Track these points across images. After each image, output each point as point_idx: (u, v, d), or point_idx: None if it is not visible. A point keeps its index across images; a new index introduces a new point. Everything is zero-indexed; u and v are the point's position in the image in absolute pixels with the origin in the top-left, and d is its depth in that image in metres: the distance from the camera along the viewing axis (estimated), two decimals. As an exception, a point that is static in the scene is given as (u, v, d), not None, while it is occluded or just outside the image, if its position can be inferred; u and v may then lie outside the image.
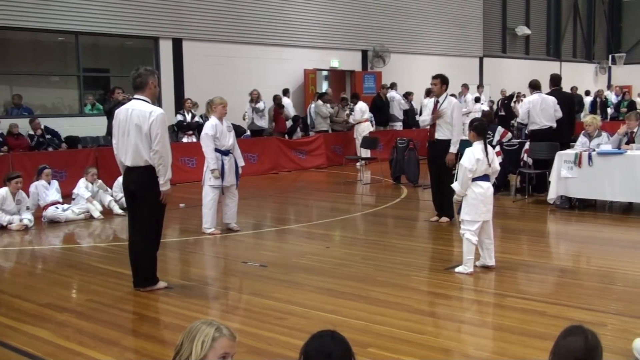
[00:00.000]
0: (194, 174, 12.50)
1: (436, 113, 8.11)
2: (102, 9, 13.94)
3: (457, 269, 5.99)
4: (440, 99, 8.15)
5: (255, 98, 14.99)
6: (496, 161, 6.16)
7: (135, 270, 5.62)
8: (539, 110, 10.52)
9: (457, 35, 23.07)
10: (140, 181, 5.45)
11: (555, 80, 11.23)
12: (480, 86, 20.90)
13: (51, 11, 13.23)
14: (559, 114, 10.55)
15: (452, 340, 4.33)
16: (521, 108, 11.41)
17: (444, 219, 8.33)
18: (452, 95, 8.77)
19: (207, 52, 15.77)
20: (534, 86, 11.02)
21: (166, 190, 5.43)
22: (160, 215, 5.60)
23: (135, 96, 5.52)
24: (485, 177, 6.02)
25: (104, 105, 12.82)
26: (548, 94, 10.95)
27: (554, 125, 10.50)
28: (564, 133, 10.61)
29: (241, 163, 8.17)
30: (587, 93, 23.37)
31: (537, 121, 10.53)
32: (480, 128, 6.05)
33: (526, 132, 11.54)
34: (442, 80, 8.14)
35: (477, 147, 5.96)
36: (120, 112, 5.55)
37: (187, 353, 2.46)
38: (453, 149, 8.08)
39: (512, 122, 15.76)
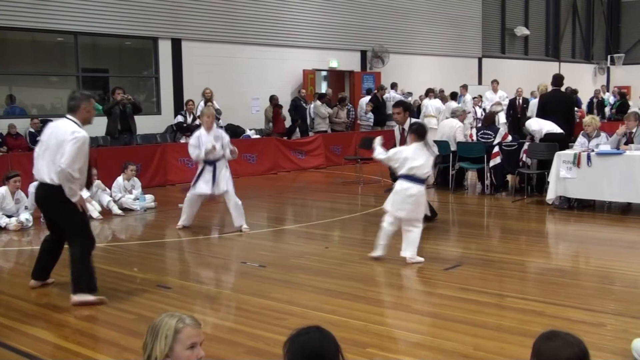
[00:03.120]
0: (193, 174, 12.45)
1: None
2: (101, 9, 13.94)
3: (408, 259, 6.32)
4: (406, 127, 7.93)
5: (209, 97, 13.73)
6: (425, 168, 6.32)
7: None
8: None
9: (456, 36, 23.09)
10: (50, 199, 5.42)
11: (557, 80, 11.22)
12: (495, 81, 19.84)
13: (50, 11, 13.23)
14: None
15: (451, 341, 4.33)
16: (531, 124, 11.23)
17: None
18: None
19: (206, 53, 15.77)
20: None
21: (76, 200, 5.35)
22: (82, 219, 5.53)
23: (67, 116, 5.52)
24: (410, 178, 6.27)
25: (102, 106, 12.83)
26: (547, 93, 10.94)
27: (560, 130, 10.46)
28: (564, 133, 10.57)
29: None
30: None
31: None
32: (420, 131, 6.43)
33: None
34: (404, 108, 7.94)
35: (412, 147, 6.33)
36: (47, 128, 5.62)
37: (153, 350, 2.45)
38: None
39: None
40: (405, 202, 6.29)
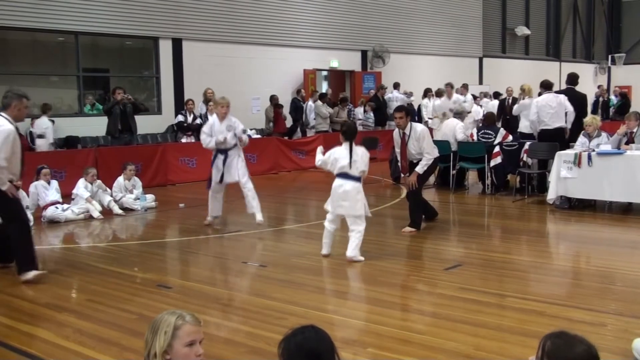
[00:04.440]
0: (193, 174, 12.51)
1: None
2: (102, 9, 13.94)
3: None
4: (407, 131, 7.90)
5: (210, 98, 13.21)
6: (358, 164, 6.57)
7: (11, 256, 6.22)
8: (550, 111, 10.45)
9: (457, 36, 23.09)
10: None
11: (571, 79, 11.17)
12: (449, 85, 18.10)
13: (50, 11, 13.23)
14: (570, 112, 10.39)
15: (452, 340, 4.32)
16: (530, 109, 11.10)
17: (408, 229, 8.01)
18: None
19: (206, 52, 15.78)
20: (546, 86, 10.93)
21: (5, 188, 5.82)
22: (14, 206, 6.05)
23: (0, 113, 6.01)
24: (344, 175, 6.52)
25: (103, 105, 12.84)
26: (560, 91, 10.90)
27: (564, 125, 10.40)
28: (573, 133, 10.49)
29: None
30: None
31: (548, 121, 10.45)
32: (348, 133, 6.68)
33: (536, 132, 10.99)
34: (406, 113, 7.95)
35: (341, 148, 6.60)
36: None
37: (152, 346, 2.46)
38: (420, 169, 7.82)
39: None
40: (341, 198, 6.55)
